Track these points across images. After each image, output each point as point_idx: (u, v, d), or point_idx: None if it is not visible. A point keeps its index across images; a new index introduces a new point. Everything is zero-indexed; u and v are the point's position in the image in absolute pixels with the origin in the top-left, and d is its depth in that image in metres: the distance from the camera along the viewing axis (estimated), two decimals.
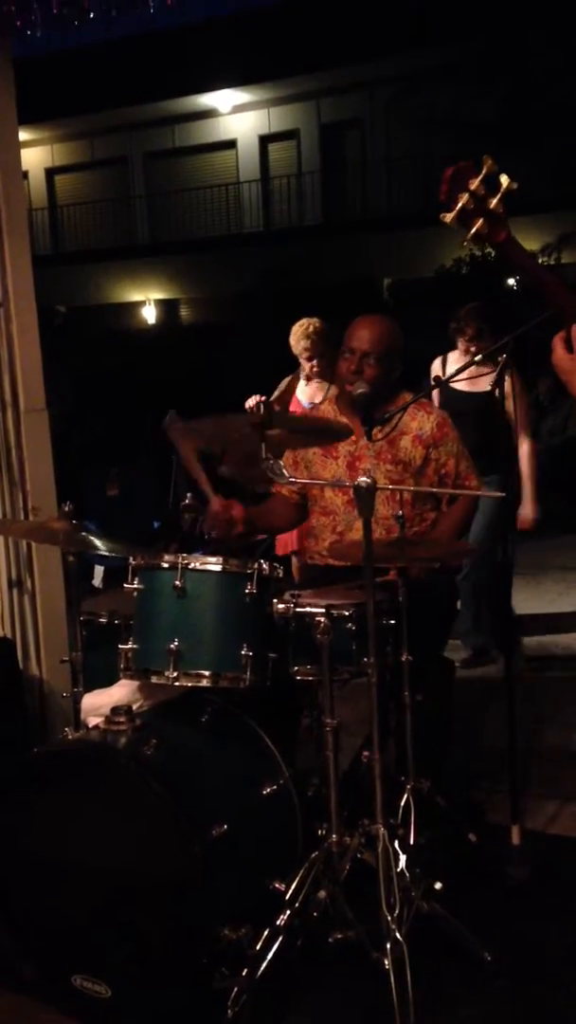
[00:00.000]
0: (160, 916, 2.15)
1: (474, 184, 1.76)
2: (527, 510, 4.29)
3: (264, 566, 2.41)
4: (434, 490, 2.99)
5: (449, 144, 16.06)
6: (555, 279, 1.82)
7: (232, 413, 2.54)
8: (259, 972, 2.16)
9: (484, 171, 1.77)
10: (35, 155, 19.95)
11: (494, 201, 1.77)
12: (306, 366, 4.62)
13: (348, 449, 3.02)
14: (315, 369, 4.58)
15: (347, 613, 2.44)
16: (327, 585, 2.75)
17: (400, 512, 2.64)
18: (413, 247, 15.83)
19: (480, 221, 1.77)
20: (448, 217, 1.78)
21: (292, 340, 4.60)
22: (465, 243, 1.82)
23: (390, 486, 2.89)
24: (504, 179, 1.78)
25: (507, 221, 1.80)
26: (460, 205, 1.75)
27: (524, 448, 4.29)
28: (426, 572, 2.83)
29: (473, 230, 1.77)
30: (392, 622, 2.55)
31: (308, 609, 2.43)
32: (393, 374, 2.99)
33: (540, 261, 14.09)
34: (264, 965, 2.16)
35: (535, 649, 4.75)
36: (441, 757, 2.88)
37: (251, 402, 4.19)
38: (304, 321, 4.60)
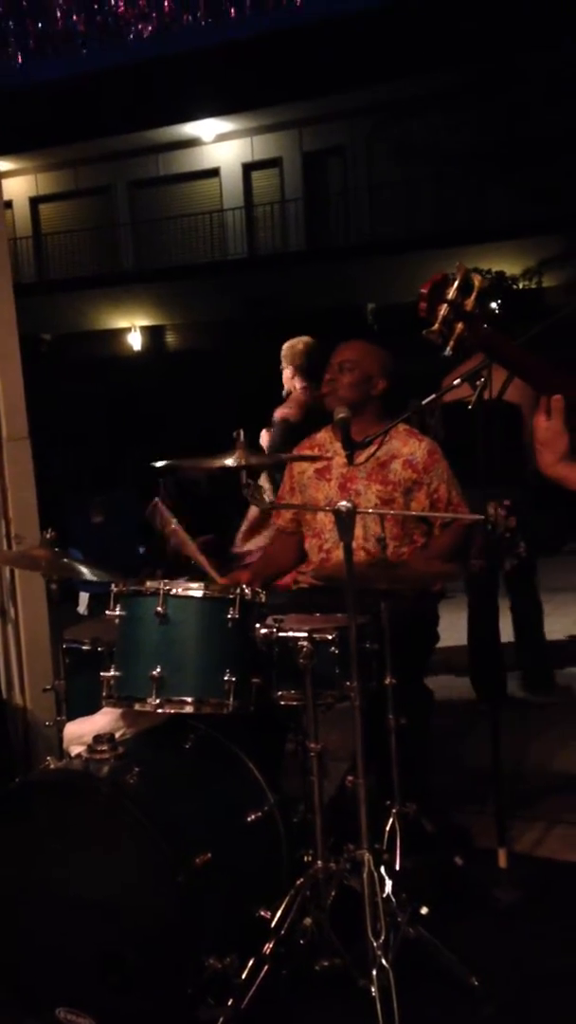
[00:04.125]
0: (144, 946, 2.13)
1: (451, 293, 1.82)
2: None
3: (247, 591, 2.41)
4: (415, 513, 3.01)
5: (430, 171, 16.30)
6: (539, 361, 1.87)
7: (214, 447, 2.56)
8: (245, 1001, 2.14)
9: (458, 278, 1.83)
10: (19, 184, 20.05)
11: (470, 302, 1.83)
12: (285, 377, 4.73)
13: (340, 471, 3.07)
14: (294, 384, 4.69)
15: (330, 637, 2.44)
16: (311, 607, 2.76)
17: (382, 534, 2.66)
18: (396, 272, 15.96)
19: (461, 325, 1.83)
20: (432, 331, 1.83)
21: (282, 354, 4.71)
22: (448, 352, 1.87)
23: (373, 510, 2.91)
24: (476, 279, 1.84)
25: (483, 317, 1.85)
26: (441, 315, 1.81)
27: None
28: (410, 595, 2.84)
29: (455, 335, 1.83)
30: (375, 646, 2.55)
31: (291, 633, 2.43)
32: (371, 387, 3.06)
33: (521, 285, 14.26)
34: (250, 994, 2.15)
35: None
36: (425, 781, 2.87)
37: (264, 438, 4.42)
38: (296, 339, 4.75)
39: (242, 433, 2.40)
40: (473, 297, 1.83)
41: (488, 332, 1.84)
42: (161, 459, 2.78)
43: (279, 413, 4.82)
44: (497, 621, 3.38)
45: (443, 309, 1.81)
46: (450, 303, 1.81)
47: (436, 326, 1.83)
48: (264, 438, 4.86)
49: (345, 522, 2.27)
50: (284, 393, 4.84)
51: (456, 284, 1.82)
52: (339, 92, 16.27)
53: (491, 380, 2.82)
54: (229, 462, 2.39)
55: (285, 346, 4.80)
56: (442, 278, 1.85)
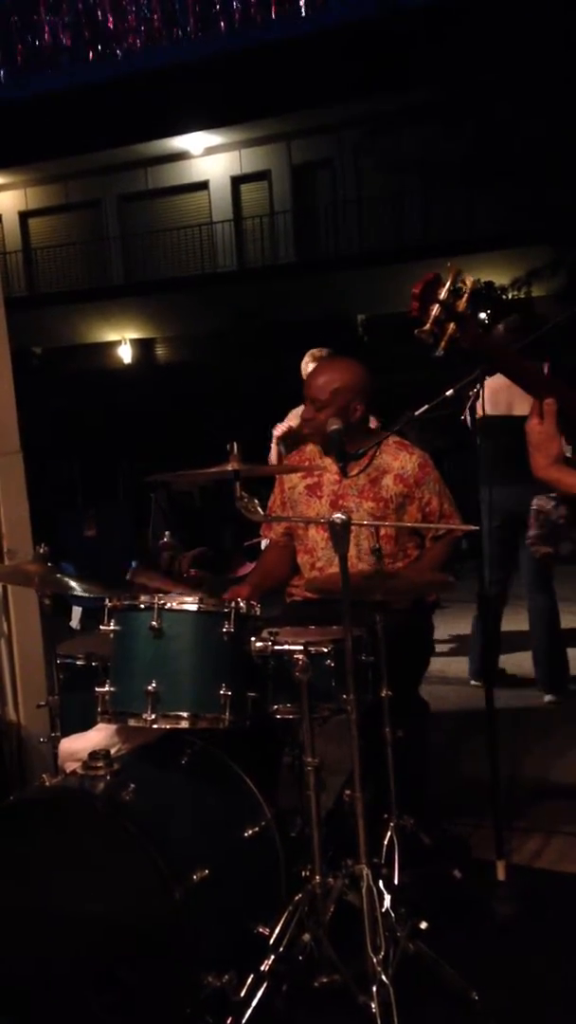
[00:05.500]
0: (142, 964, 2.11)
1: (443, 293, 1.81)
2: None
3: (241, 604, 2.40)
4: (410, 525, 3.00)
5: (419, 183, 16.38)
6: (532, 365, 1.87)
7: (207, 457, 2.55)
8: (244, 1019, 2.12)
9: (450, 279, 1.83)
10: (9, 199, 20.10)
11: (462, 303, 1.83)
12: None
13: (332, 488, 3.05)
14: None
15: (325, 650, 2.42)
16: (305, 620, 2.75)
17: (377, 545, 2.65)
18: (385, 283, 16.01)
19: (452, 325, 1.83)
20: (423, 331, 1.83)
21: (303, 365, 4.77)
22: (439, 353, 1.87)
23: (368, 522, 2.90)
24: (468, 280, 1.84)
25: (476, 319, 1.85)
26: (433, 315, 1.81)
27: None
28: (405, 606, 2.83)
29: (447, 335, 1.82)
30: (371, 658, 2.54)
31: (286, 647, 2.42)
32: (349, 416, 2.97)
33: (511, 295, 14.32)
34: (249, 1012, 2.12)
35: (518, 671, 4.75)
36: (422, 793, 2.86)
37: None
38: (315, 350, 4.80)
39: (235, 445, 2.40)
40: (465, 298, 1.83)
41: (480, 334, 1.84)
42: (152, 472, 2.78)
43: (279, 430, 4.84)
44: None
45: (435, 309, 1.81)
46: (442, 303, 1.81)
47: (427, 326, 1.82)
48: (273, 454, 4.87)
49: (340, 534, 2.26)
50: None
51: (447, 285, 1.82)
52: (327, 105, 16.36)
53: (483, 391, 2.82)
54: (228, 469, 2.38)
55: (308, 355, 4.81)
56: (434, 278, 1.85)
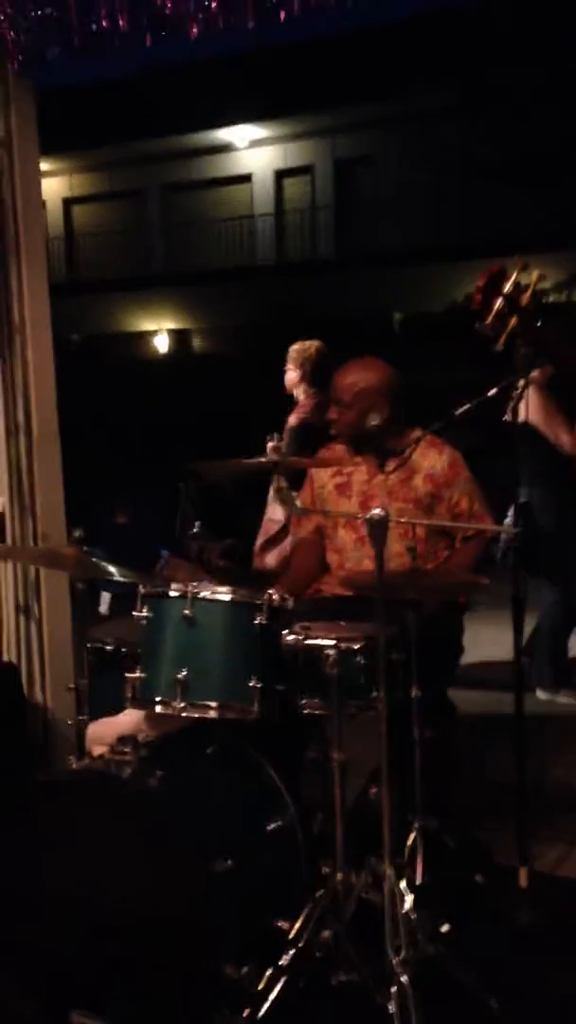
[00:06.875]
0: (161, 952, 2.11)
1: (507, 286, 1.78)
2: None
3: (275, 596, 2.39)
4: (445, 523, 2.98)
5: (461, 182, 16.27)
6: None
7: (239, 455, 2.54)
8: (261, 1013, 2.11)
9: (515, 273, 1.79)
10: (53, 185, 20.20)
11: (525, 297, 1.79)
12: (289, 379, 4.63)
13: (361, 488, 3.02)
14: (300, 390, 4.59)
15: (356, 647, 2.41)
16: (336, 616, 2.73)
17: (412, 543, 2.62)
18: (425, 282, 15.94)
19: (514, 320, 1.79)
20: (485, 324, 1.80)
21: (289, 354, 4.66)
22: (498, 347, 1.83)
23: (403, 519, 2.88)
24: (533, 274, 1.80)
25: (539, 314, 1.81)
26: (496, 309, 1.78)
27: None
28: (436, 607, 2.81)
29: (507, 330, 1.79)
30: (402, 656, 2.52)
31: (318, 642, 2.40)
32: (371, 416, 2.94)
33: (552, 298, 14.19)
34: (266, 1006, 2.12)
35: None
36: (448, 795, 2.84)
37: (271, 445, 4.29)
38: (307, 343, 4.65)
39: (276, 436, 2.39)
40: (529, 293, 1.80)
41: (541, 329, 1.80)
42: (185, 462, 2.78)
43: (293, 418, 4.75)
44: None
45: (498, 303, 1.78)
46: (505, 297, 1.78)
47: (489, 320, 1.80)
48: (270, 447, 4.74)
49: (377, 531, 2.24)
50: (296, 397, 4.75)
51: (513, 278, 1.79)
52: (373, 101, 16.29)
53: (529, 392, 2.78)
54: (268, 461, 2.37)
55: (294, 348, 4.64)
56: (499, 271, 1.82)
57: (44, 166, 3.28)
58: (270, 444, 4.18)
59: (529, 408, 2.98)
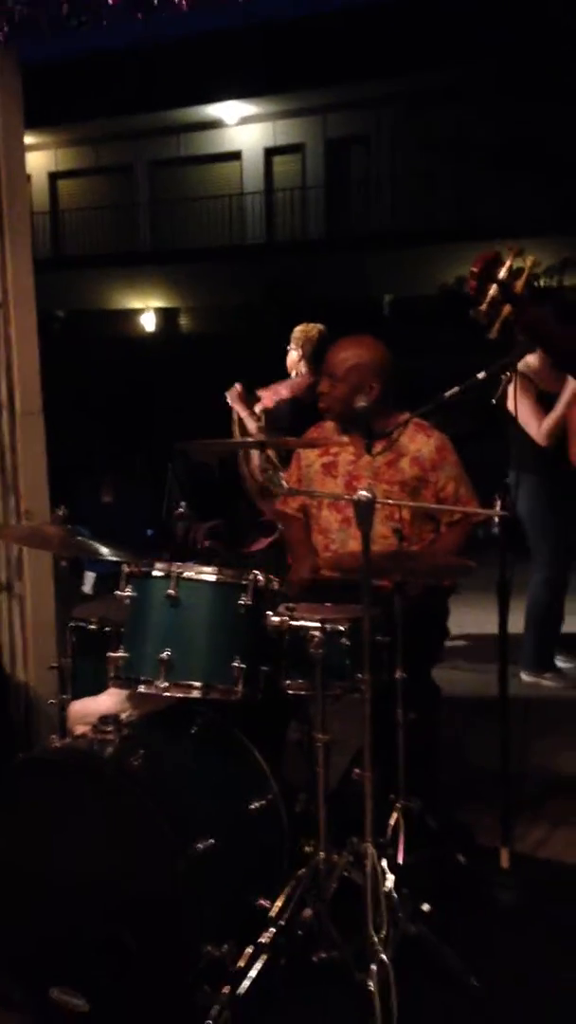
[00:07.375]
0: (142, 930, 2.11)
1: (502, 273, 1.76)
2: None
3: (260, 577, 2.38)
4: (432, 506, 2.97)
5: (454, 164, 16.19)
6: None
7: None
8: (241, 990, 2.12)
9: (510, 259, 1.77)
10: (39, 159, 19.98)
11: (519, 284, 1.77)
12: (290, 359, 4.75)
13: (347, 468, 3.01)
14: (300, 369, 4.68)
15: (342, 628, 2.41)
16: (321, 597, 2.73)
17: (398, 525, 2.62)
18: (415, 264, 15.88)
19: (508, 307, 1.77)
20: (479, 311, 1.78)
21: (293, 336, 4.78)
22: (492, 335, 1.81)
23: (389, 501, 2.87)
24: (528, 260, 1.78)
25: (530, 300, 1.79)
26: (490, 296, 1.76)
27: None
28: (421, 590, 2.81)
29: (501, 317, 1.77)
30: (386, 639, 2.52)
31: (303, 623, 2.40)
32: (367, 391, 2.94)
33: (543, 283, 14.16)
34: (247, 983, 2.13)
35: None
36: (431, 777, 2.85)
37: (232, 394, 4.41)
38: (310, 325, 4.79)
39: (263, 416, 2.37)
40: (523, 279, 1.78)
41: (534, 316, 1.78)
42: (172, 441, 2.76)
43: (287, 390, 4.78)
44: None
45: (492, 289, 1.76)
46: (500, 283, 1.76)
47: (483, 307, 1.77)
48: (266, 398, 4.75)
49: (363, 513, 2.23)
50: (293, 374, 4.83)
51: (508, 264, 1.77)
52: (366, 80, 16.15)
53: (516, 377, 2.77)
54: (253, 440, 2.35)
55: (298, 329, 4.81)
56: (494, 256, 1.80)
57: (30, 139, 3.25)
58: (234, 390, 4.22)
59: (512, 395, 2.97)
